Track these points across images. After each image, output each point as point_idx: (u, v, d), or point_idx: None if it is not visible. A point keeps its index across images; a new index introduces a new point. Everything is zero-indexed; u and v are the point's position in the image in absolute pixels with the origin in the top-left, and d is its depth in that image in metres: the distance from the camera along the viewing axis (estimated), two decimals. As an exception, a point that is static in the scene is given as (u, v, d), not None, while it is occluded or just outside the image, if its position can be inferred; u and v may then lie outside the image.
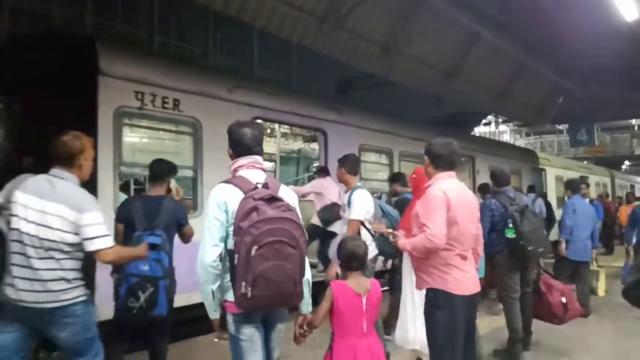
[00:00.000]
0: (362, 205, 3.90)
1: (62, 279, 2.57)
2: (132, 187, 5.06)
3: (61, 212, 2.56)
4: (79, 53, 4.81)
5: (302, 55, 10.37)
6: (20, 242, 2.54)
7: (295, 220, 2.31)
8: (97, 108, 4.57)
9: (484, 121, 18.78)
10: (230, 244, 2.31)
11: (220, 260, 2.34)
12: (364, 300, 2.62)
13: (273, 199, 2.33)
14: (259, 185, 2.41)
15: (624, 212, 10.65)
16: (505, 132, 27.54)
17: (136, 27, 10.41)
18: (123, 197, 4.67)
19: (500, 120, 17.39)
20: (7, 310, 2.57)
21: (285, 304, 2.45)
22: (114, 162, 4.65)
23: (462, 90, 10.16)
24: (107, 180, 4.57)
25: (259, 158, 2.61)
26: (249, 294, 2.19)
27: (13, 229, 2.56)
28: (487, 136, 20.91)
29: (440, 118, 10.87)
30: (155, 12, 10.41)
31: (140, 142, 5.41)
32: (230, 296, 2.32)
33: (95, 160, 4.35)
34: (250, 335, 2.37)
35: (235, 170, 2.57)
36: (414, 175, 4.08)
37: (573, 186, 6.21)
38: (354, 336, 2.60)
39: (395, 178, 5.85)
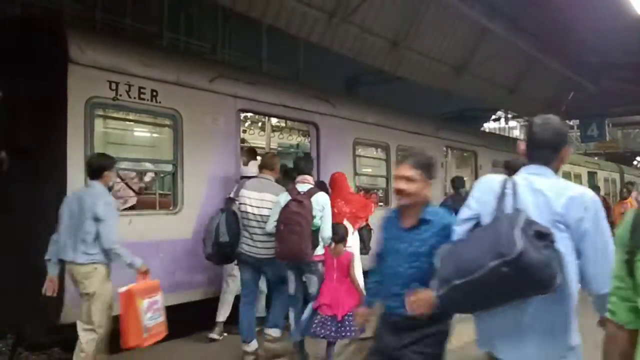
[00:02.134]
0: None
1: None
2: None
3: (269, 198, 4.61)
4: (48, 40, 4.53)
5: (310, 51, 10.37)
6: (247, 219, 4.60)
7: (303, 215, 4.31)
8: (67, 98, 4.33)
9: (493, 117, 18.70)
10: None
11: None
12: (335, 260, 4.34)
13: (299, 201, 4.37)
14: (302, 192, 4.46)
15: (617, 210, 9.12)
16: (515, 128, 27.34)
17: (146, 23, 10.45)
18: None
19: (509, 116, 17.28)
20: (241, 259, 4.65)
21: (294, 257, 4.36)
22: (85, 155, 4.36)
23: (471, 85, 10.14)
24: (77, 174, 4.31)
25: (308, 177, 4.67)
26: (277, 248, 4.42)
27: (242, 211, 4.63)
28: (497, 132, 20.81)
29: (448, 114, 10.81)
30: (165, 8, 10.44)
31: (114, 134, 5.16)
32: None
33: (65, 153, 4.30)
34: (290, 274, 4.55)
35: (296, 183, 4.64)
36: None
37: None
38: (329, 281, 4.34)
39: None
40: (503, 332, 2.03)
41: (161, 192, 5.88)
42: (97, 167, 3.91)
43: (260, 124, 8.94)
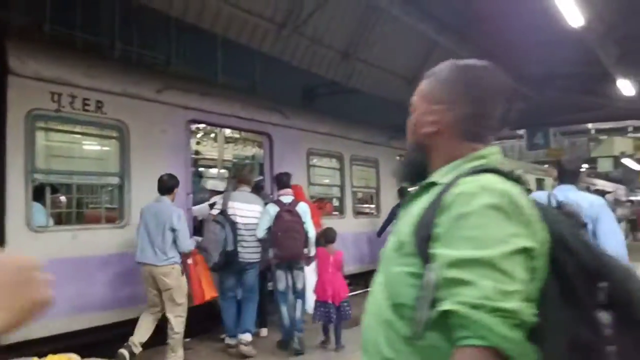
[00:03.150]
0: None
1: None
2: (48, 195, 4.70)
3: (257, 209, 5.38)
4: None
5: (267, 63, 10.39)
6: (237, 228, 5.19)
7: (298, 222, 5.22)
8: (6, 111, 4.25)
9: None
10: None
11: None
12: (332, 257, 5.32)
13: (289, 211, 5.23)
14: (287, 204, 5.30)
15: None
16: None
17: (97, 35, 10.23)
18: (37, 206, 4.46)
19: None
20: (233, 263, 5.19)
21: (295, 258, 5.26)
22: (25, 169, 4.32)
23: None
24: (17, 189, 4.27)
25: (288, 190, 5.46)
26: (278, 252, 5.23)
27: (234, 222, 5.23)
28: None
29: (400, 126, 10.95)
30: (117, 19, 10.25)
31: (57, 147, 5.10)
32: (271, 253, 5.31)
33: (4, 167, 4.21)
34: (280, 274, 5.31)
35: (279, 195, 5.47)
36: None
37: None
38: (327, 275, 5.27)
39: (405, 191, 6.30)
40: None
41: (109, 206, 5.75)
42: (170, 185, 4.84)
43: (213, 135, 8.86)
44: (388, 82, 9.58)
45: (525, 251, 0.92)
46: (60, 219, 5.46)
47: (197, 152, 8.42)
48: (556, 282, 0.96)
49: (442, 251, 0.94)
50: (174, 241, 4.69)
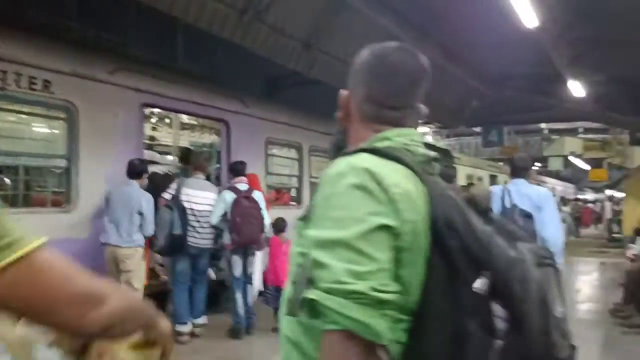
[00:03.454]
0: None
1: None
2: None
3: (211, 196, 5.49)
4: None
5: (230, 51, 10.25)
6: (192, 214, 5.28)
7: (255, 208, 5.39)
8: None
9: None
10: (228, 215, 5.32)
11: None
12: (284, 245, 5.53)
13: (247, 197, 5.38)
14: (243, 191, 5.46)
15: None
16: (428, 133, 28.59)
17: (53, 15, 9.81)
18: None
19: (421, 121, 18.03)
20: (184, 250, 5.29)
21: (253, 243, 5.45)
22: None
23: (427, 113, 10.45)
24: None
25: (243, 178, 5.62)
26: (237, 238, 5.31)
27: (187, 207, 5.29)
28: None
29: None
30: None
31: (1, 127, 4.95)
32: (227, 239, 5.42)
33: None
34: (236, 259, 5.45)
35: (234, 183, 5.61)
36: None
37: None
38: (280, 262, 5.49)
39: None
40: None
41: (56, 189, 5.56)
42: (140, 170, 4.92)
43: (168, 120, 8.67)
44: (348, 74, 9.58)
45: (385, 229, 0.91)
46: (5, 202, 5.22)
47: (151, 138, 8.20)
48: (443, 267, 0.94)
49: (310, 231, 0.96)
50: (140, 225, 4.84)
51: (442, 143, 28.34)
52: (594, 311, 7.31)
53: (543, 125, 28.42)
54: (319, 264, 0.91)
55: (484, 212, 0.99)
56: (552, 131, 30.08)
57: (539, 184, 9.52)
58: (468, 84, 12.13)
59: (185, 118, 8.34)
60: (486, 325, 0.89)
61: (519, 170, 4.11)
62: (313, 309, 0.90)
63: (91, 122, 5.03)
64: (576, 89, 10.82)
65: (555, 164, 25.84)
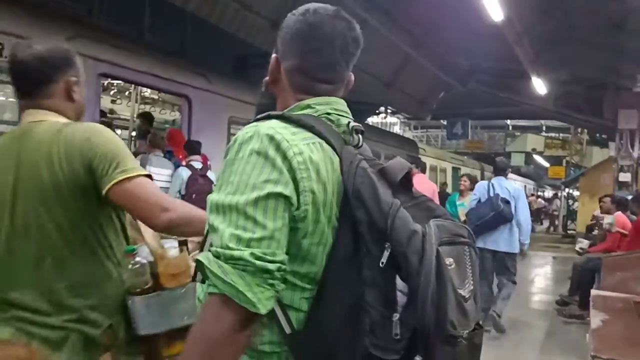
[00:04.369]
0: None
1: None
2: None
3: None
4: None
5: (198, 28, 10.03)
6: None
7: (210, 186, 4.85)
8: None
9: (377, 111, 19.55)
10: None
11: None
12: None
13: (203, 175, 5.45)
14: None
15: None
16: (396, 124, 28.82)
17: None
18: None
19: (389, 110, 18.18)
20: None
21: None
22: None
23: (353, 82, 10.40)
24: None
25: (198, 156, 5.64)
26: None
27: None
28: (380, 126, 21.79)
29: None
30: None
31: None
32: None
33: None
34: None
35: (189, 160, 5.59)
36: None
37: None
38: None
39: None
40: (492, 238, 5.28)
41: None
42: None
43: (127, 93, 8.46)
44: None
45: (279, 197, 0.90)
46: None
47: (111, 111, 7.99)
48: (349, 238, 0.94)
49: (211, 195, 0.96)
50: None
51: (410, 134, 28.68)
52: (542, 302, 7.57)
53: (508, 121, 29.08)
54: (213, 228, 0.92)
55: (395, 184, 0.97)
56: (516, 128, 30.80)
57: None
58: (435, 75, 12.24)
59: (147, 92, 8.13)
60: (386, 298, 0.89)
61: (500, 170, 5.69)
62: (203, 271, 0.90)
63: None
64: (539, 86, 11.05)
65: (517, 160, 26.46)
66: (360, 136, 1.07)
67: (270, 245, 0.88)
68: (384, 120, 24.09)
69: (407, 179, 1.01)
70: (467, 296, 0.91)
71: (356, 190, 0.94)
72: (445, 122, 19.23)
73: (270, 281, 0.87)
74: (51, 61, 1.55)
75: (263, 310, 0.87)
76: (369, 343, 0.87)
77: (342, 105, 1.11)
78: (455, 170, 16.16)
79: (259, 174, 0.91)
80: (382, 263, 0.89)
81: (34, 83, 1.53)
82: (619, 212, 7.39)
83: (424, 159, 14.12)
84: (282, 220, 0.90)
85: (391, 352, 0.86)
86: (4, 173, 1.43)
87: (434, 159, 14.56)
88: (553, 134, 27.87)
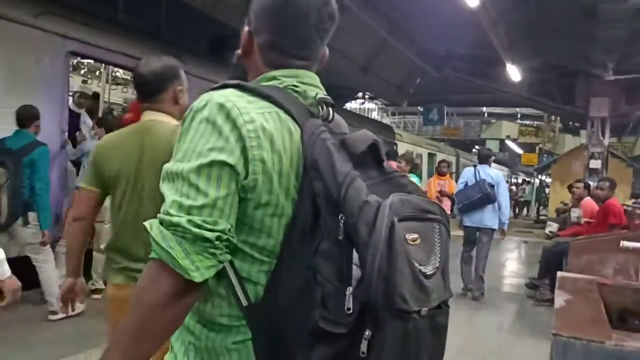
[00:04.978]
0: None
1: None
2: None
3: None
4: None
5: (173, 8, 9.81)
6: None
7: None
8: None
9: (356, 97, 19.55)
10: None
11: None
12: None
13: None
14: None
15: (432, 185, 8.71)
16: (374, 110, 28.89)
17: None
18: None
19: (367, 96, 18.20)
20: None
21: None
22: None
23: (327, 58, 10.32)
24: None
25: None
26: None
27: None
28: (358, 112, 21.81)
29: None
30: None
31: None
32: None
33: None
34: None
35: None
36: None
37: None
38: None
39: None
40: (477, 217, 6.31)
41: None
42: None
43: (98, 73, 8.27)
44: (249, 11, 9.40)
45: (224, 166, 0.89)
46: None
47: (94, 94, 7.82)
48: (307, 210, 0.93)
49: (166, 164, 0.95)
50: None
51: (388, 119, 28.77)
52: (513, 285, 7.74)
53: (484, 109, 29.39)
54: (162, 195, 0.92)
55: (358, 157, 0.94)
56: (491, 115, 31.16)
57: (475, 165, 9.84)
58: (412, 61, 12.26)
59: (119, 73, 7.96)
60: (341, 271, 0.87)
61: (484, 159, 6.67)
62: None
63: (11, 67, 4.72)
64: (513, 73, 11.17)
65: (491, 147, 26.81)
66: (330, 109, 1.05)
67: (212, 213, 0.87)
68: (362, 106, 24.14)
69: (375, 153, 0.99)
70: (429, 272, 0.88)
71: (314, 161, 0.93)
72: (421, 109, 19.36)
73: (212, 250, 0.86)
74: (163, 75, 2.06)
75: (199, 279, 0.86)
76: (318, 316, 0.86)
77: (311, 78, 1.09)
78: (431, 156, 16.31)
79: (205, 142, 0.90)
80: (339, 236, 0.87)
81: (150, 92, 2.07)
82: (588, 198, 7.58)
83: (400, 144, 14.23)
84: (226, 189, 0.89)
85: (340, 326, 0.85)
86: (130, 156, 1.99)
87: (410, 144, 14.67)
88: (527, 122, 28.29)
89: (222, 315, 0.97)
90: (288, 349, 0.90)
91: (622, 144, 22.78)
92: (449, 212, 7.92)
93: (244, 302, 0.93)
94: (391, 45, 11.00)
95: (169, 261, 0.85)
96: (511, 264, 10.04)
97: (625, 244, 2.43)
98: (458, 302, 6.12)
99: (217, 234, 0.86)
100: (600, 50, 10.30)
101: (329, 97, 1.06)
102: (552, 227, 8.20)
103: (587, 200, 7.48)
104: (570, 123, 18.96)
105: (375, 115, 28.73)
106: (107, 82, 7.51)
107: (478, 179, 6.26)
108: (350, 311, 0.84)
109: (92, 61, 7.30)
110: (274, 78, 1.05)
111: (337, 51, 10.48)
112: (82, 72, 8.14)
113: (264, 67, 1.09)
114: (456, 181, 8.28)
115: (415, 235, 0.87)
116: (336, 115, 1.10)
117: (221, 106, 0.93)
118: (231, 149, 0.90)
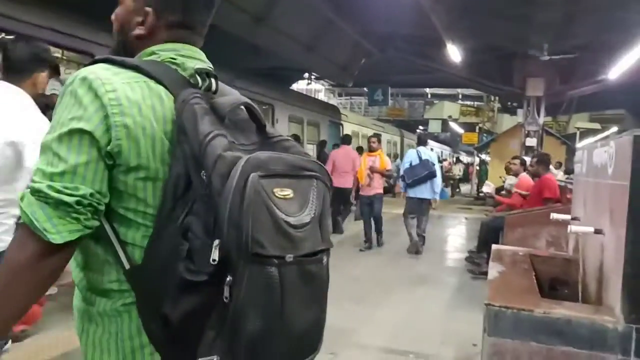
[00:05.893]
0: None
1: None
2: None
3: None
4: None
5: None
6: None
7: None
8: None
9: (303, 77, 19.43)
10: None
11: None
12: None
13: None
14: None
15: (363, 162, 8.38)
16: (320, 91, 28.86)
17: None
18: None
19: (313, 76, 18.13)
20: None
21: None
22: None
23: (271, 38, 10.17)
24: None
25: None
26: None
27: None
28: (305, 93, 21.72)
29: (262, 70, 10.85)
30: None
31: None
32: None
33: None
34: None
35: None
36: None
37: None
38: None
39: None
40: (420, 190, 7.79)
41: None
42: None
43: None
44: (236, 19, 9.21)
45: (82, 133, 0.94)
46: None
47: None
48: (179, 173, 0.97)
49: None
50: None
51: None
52: (453, 259, 8.00)
53: (427, 90, 30.00)
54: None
55: (226, 118, 0.99)
56: (434, 96, 31.87)
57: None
58: (356, 41, 12.28)
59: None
60: (208, 226, 0.91)
61: (422, 141, 8.46)
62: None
63: None
64: (454, 54, 11.40)
65: (434, 127, 27.51)
66: (213, 80, 1.08)
67: (73, 179, 0.93)
68: (309, 87, 24.05)
69: (254, 117, 1.05)
70: (297, 223, 0.92)
71: (181, 126, 0.97)
72: (367, 90, 19.52)
73: (75, 215, 0.92)
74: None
75: (59, 240, 0.91)
76: (183, 268, 0.91)
77: (191, 51, 1.12)
78: (376, 135, 16.51)
79: (68, 113, 0.96)
80: (203, 191, 0.92)
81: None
82: (524, 174, 7.91)
83: (346, 125, 14.32)
84: (86, 155, 0.94)
85: (202, 274, 0.89)
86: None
87: (355, 125, 14.78)
88: (468, 102, 29.13)
89: (111, 281, 1.02)
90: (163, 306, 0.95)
91: (556, 122, 23.91)
92: (381, 190, 8.23)
93: (127, 266, 0.99)
94: (336, 25, 10.96)
95: (30, 225, 0.91)
96: (452, 239, 10.38)
97: (554, 215, 2.53)
98: (402, 278, 6.28)
99: (76, 198, 0.92)
100: (537, 31, 10.68)
101: (209, 68, 1.09)
102: (490, 187, 8.63)
103: (523, 176, 7.80)
104: (509, 103, 19.70)
105: (322, 96, 28.73)
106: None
107: (422, 159, 7.76)
108: (216, 262, 0.87)
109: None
110: (153, 53, 1.09)
111: (282, 31, 10.36)
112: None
113: (149, 38, 1.12)
114: (401, 160, 9.30)
115: (288, 191, 0.92)
116: (226, 87, 1.15)
117: (84, 79, 0.97)
118: (88, 117, 0.95)
